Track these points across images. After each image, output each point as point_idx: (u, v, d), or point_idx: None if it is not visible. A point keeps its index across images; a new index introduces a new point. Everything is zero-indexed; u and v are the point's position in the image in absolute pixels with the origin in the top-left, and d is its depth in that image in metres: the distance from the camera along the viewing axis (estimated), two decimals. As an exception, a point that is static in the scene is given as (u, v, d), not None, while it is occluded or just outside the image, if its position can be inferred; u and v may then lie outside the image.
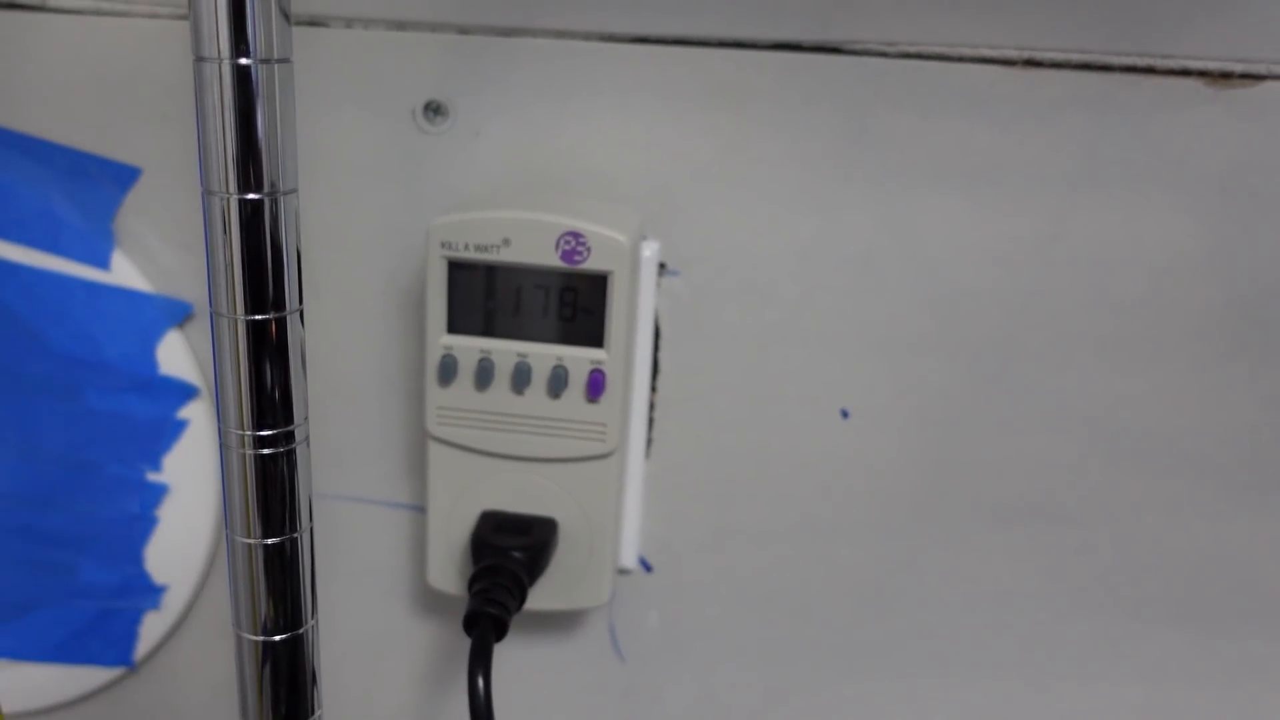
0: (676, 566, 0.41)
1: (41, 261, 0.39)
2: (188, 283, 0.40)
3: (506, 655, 0.43)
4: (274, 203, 0.26)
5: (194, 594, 0.43)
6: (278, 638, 0.29)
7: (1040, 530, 0.40)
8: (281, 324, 0.27)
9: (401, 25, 0.37)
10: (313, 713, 0.31)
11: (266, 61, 0.26)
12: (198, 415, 0.40)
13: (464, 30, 0.37)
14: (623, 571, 0.41)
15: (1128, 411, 0.38)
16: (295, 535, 0.29)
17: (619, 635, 0.42)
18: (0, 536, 0.42)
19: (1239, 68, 0.35)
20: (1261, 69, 0.35)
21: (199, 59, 0.25)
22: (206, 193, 0.26)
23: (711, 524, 0.41)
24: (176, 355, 0.40)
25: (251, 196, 0.26)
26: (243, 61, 0.25)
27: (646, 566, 0.41)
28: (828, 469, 0.40)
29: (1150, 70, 0.35)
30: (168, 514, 0.41)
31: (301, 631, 0.30)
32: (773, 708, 0.43)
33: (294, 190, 0.27)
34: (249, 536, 0.28)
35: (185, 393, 0.40)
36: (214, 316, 0.27)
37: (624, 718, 0.43)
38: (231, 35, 0.26)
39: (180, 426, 0.40)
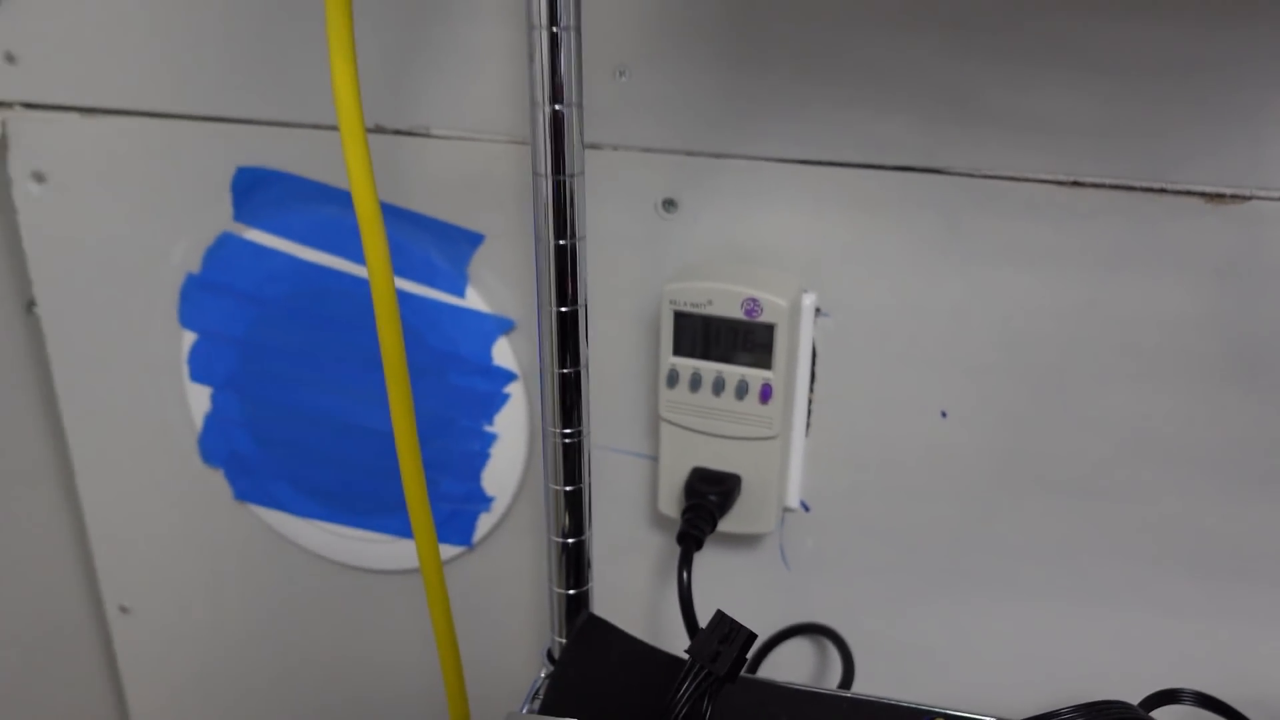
0: (826, 508, 0.60)
1: (423, 291, 0.62)
2: (512, 307, 0.62)
3: (706, 562, 0.63)
4: (573, 248, 0.46)
5: (510, 504, 0.65)
6: (569, 540, 0.51)
7: (1083, 502, 0.56)
8: (574, 319, 0.47)
9: (648, 149, 0.56)
10: (587, 585, 0.52)
11: (573, 175, 0.46)
12: (516, 392, 0.62)
13: (689, 153, 0.56)
14: (788, 510, 0.61)
15: (1148, 422, 0.54)
16: (580, 485, 0.50)
17: (786, 552, 0.62)
18: (381, 455, 0.66)
19: (1229, 190, 0.50)
20: (1246, 192, 0.49)
21: (535, 174, 0.45)
22: (536, 240, 0.46)
23: (851, 481, 0.59)
24: (504, 353, 0.62)
25: (561, 242, 0.46)
26: (558, 177, 0.45)
27: (805, 507, 0.61)
28: (931, 451, 0.57)
29: (1163, 190, 0.50)
30: (496, 453, 0.64)
31: (583, 537, 0.51)
32: (891, 610, 0.61)
33: (584, 238, 0.47)
34: (556, 484, 0.50)
35: (509, 377, 0.62)
36: (539, 312, 0.47)
37: (787, 609, 0.63)
38: (552, 159, 0.46)
39: (505, 399, 0.62)
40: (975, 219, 0.53)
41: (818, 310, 0.56)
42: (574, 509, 0.50)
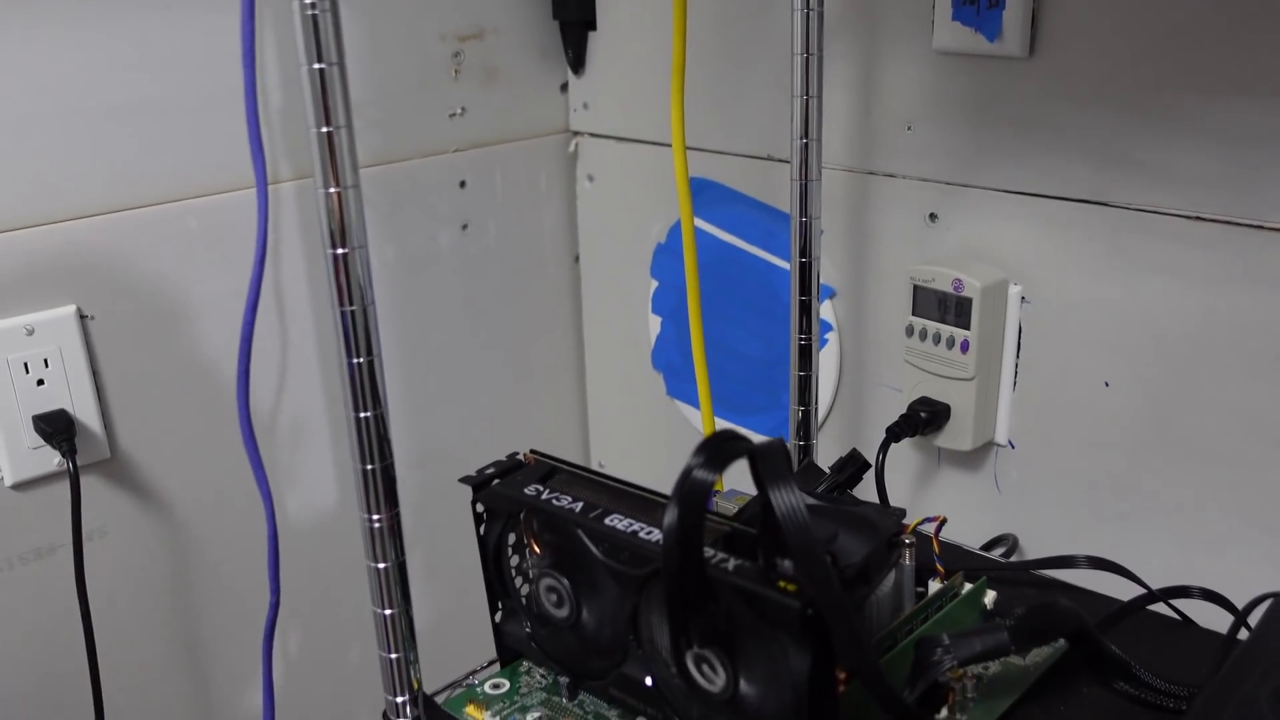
0: (1026, 448, 0.82)
1: (778, 261, 0.94)
2: (834, 279, 0.92)
3: (943, 478, 0.88)
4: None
5: (829, 408, 0.95)
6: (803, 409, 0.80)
7: (1207, 466, 0.73)
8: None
9: (924, 179, 0.84)
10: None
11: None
12: (833, 339, 0.92)
13: (949, 184, 0.82)
14: (998, 445, 0.84)
15: (1257, 408, 0.70)
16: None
17: (998, 478, 0.85)
18: (755, 374, 0.98)
19: (1310, 230, 0.66)
20: (1322, 232, 0.66)
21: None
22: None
23: (1045, 429, 0.81)
24: (828, 311, 0.92)
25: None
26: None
27: (1011, 445, 0.83)
28: (1099, 412, 0.78)
29: (1260, 227, 0.68)
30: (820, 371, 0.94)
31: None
32: (1068, 536, 0.81)
33: (821, 231, 0.76)
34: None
35: (828, 328, 0.92)
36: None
37: (997, 521, 0.85)
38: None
39: (825, 342, 0.92)
40: (1130, 239, 0.74)
41: (1023, 298, 0.80)
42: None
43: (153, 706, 0.94)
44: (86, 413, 0.85)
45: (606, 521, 0.55)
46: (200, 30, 0.85)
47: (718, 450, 0.46)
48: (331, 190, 0.50)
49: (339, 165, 0.50)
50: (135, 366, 0.87)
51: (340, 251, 0.51)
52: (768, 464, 0.45)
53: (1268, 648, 0.50)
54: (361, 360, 0.53)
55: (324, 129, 0.49)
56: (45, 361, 0.83)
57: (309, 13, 0.48)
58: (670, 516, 0.46)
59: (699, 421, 1.06)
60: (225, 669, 0.97)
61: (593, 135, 1.09)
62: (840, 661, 0.47)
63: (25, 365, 0.82)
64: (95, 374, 0.85)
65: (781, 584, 0.48)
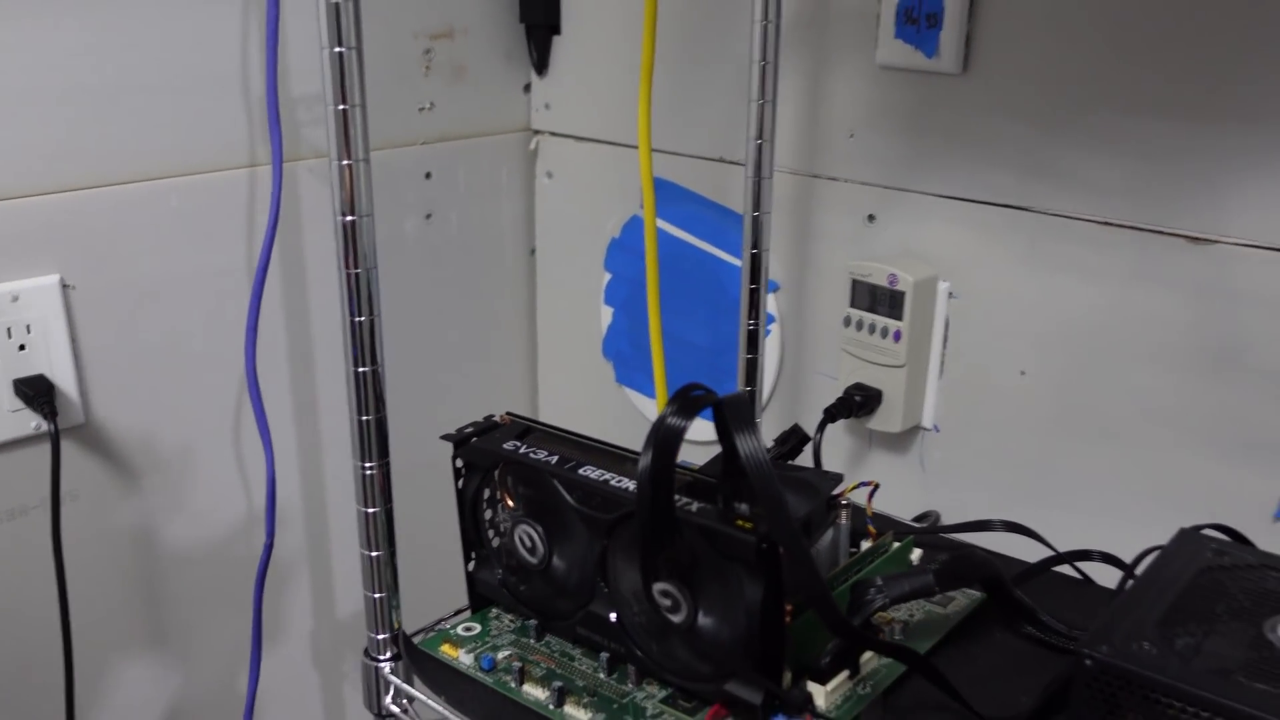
0: (950, 431, 0.90)
1: (726, 256, 1.01)
2: (778, 273, 0.99)
3: (875, 459, 0.95)
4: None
5: (770, 393, 1.02)
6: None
7: (1110, 445, 0.81)
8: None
9: (864, 183, 0.91)
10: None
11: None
12: (775, 330, 0.99)
13: (886, 187, 0.90)
14: (924, 429, 0.91)
15: (1154, 393, 0.79)
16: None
17: (924, 459, 0.93)
18: (701, 362, 1.05)
19: (1203, 235, 0.75)
20: (1214, 237, 0.74)
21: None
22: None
23: (967, 413, 0.89)
24: (771, 303, 0.99)
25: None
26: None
27: (936, 428, 0.91)
28: (1016, 398, 0.86)
29: (1160, 232, 0.76)
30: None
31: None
32: (995, 506, 0.89)
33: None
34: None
35: (771, 319, 0.99)
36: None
37: (923, 499, 0.93)
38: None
39: (769, 332, 0.99)
40: (1047, 242, 0.82)
41: (950, 294, 0.88)
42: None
43: (123, 660, 0.97)
44: (64, 379, 0.89)
45: (580, 472, 0.61)
46: (190, 16, 0.89)
47: (688, 400, 0.53)
48: (345, 163, 0.56)
49: (352, 141, 0.55)
50: (113, 336, 0.91)
51: (350, 219, 0.57)
52: (734, 411, 0.52)
53: (1154, 584, 0.57)
54: (363, 319, 0.58)
55: (340, 106, 0.55)
56: (27, 328, 0.86)
57: (332, 1, 0.53)
58: (645, 459, 0.52)
59: (645, 407, 1.12)
60: (194, 625, 1.01)
61: (553, 134, 1.15)
62: (792, 588, 0.54)
63: (9, 330, 0.85)
64: (74, 341, 0.89)
65: (739, 522, 0.54)
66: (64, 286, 0.88)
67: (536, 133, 1.16)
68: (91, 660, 0.94)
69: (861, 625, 0.61)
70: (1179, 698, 0.50)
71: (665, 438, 0.52)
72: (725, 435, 0.53)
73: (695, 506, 0.56)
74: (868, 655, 0.62)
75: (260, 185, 0.97)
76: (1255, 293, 0.73)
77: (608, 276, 1.13)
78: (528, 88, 1.15)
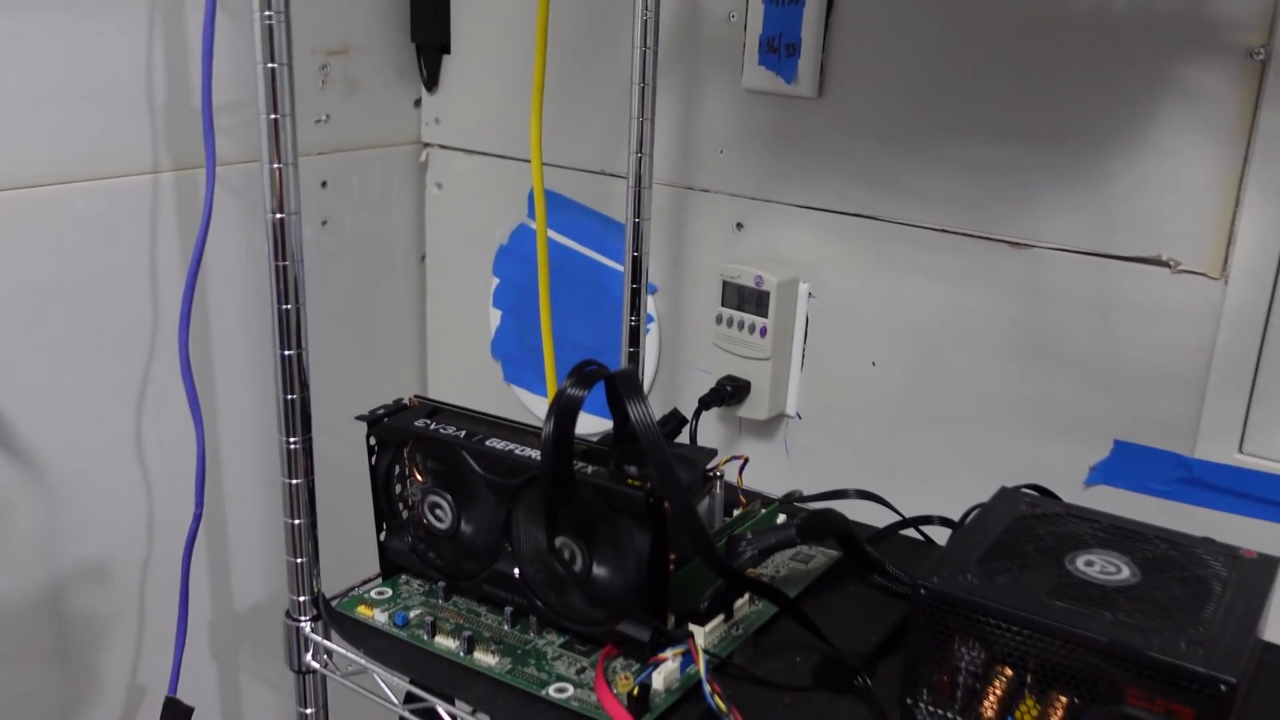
0: (811, 418, 1.00)
1: (608, 261, 1.09)
2: (656, 274, 1.08)
3: (745, 446, 1.05)
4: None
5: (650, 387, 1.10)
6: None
7: (950, 428, 0.93)
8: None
9: (733, 194, 1.01)
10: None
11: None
12: (654, 329, 1.08)
13: (752, 198, 1.00)
14: (789, 417, 1.01)
15: (986, 379, 0.90)
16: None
17: (788, 444, 1.03)
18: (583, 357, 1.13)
19: (1021, 240, 0.86)
20: (1030, 242, 0.86)
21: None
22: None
23: (826, 402, 0.99)
24: (650, 306, 1.08)
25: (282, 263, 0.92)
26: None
27: (799, 416, 1.01)
28: (868, 388, 0.96)
29: (987, 238, 0.88)
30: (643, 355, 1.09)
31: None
32: (856, 483, 0.99)
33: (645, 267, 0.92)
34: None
35: (651, 319, 1.08)
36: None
37: (788, 481, 1.03)
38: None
39: (649, 331, 1.08)
40: (893, 247, 0.93)
41: (810, 294, 0.98)
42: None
43: (29, 653, 1.00)
44: (-29, 375, 0.92)
45: (487, 444, 0.69)
46: (95, 26, 0.93)
47: (583, 374, 0.61)
48: (275, 166, 0.62)
49: (283, 147, 0.62)
50: (20, 335, 0.94)
51: (280, 216, 0.63)
52: (625, 383, 0.60)
53: (977, 530, 0.68)
54: (290, 306, 0.65)
55: (273, 116, 0.61)
56: (-65, 325, 0.89)
57: (266, 21, 0.60)
58: (549, 426, 0.60)
59: (531, 404, 1.20)
60: (92, 620, 1.04)
61: (442, 147, 1.22)
62: (676, 534, 0.62)
63: (-84, 327, 0.88)
64: (-18, 339, 0.92)
65: (630, 481, 0.63)
66: (-28, 286, 0.91)
67: (426, 145, 1.23)
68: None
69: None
70: (995, 616, 0.60)
71: (565, 406, 0.60)
72: (617, 405, 0.62)
73: (591, 469, 0.65)
74: (740, 602, 0.71)
75: (163, 190, 1.01)
76: (1064, 290, 0.85)
77: (496, 281, 1.20)
78: (418, 103, 1.22)
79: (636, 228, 0.92)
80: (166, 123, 1.00)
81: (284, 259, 0.64)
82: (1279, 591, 0.75)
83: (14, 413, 0.95)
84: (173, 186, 1.01)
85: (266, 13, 0.59)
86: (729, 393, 0.99)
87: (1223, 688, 0.54)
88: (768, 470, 1.04)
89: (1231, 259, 0.78)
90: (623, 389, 0.60)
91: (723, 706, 0.57)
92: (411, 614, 0.72)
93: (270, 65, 0.60)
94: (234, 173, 1.03)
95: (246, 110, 1.04)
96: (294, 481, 0.68)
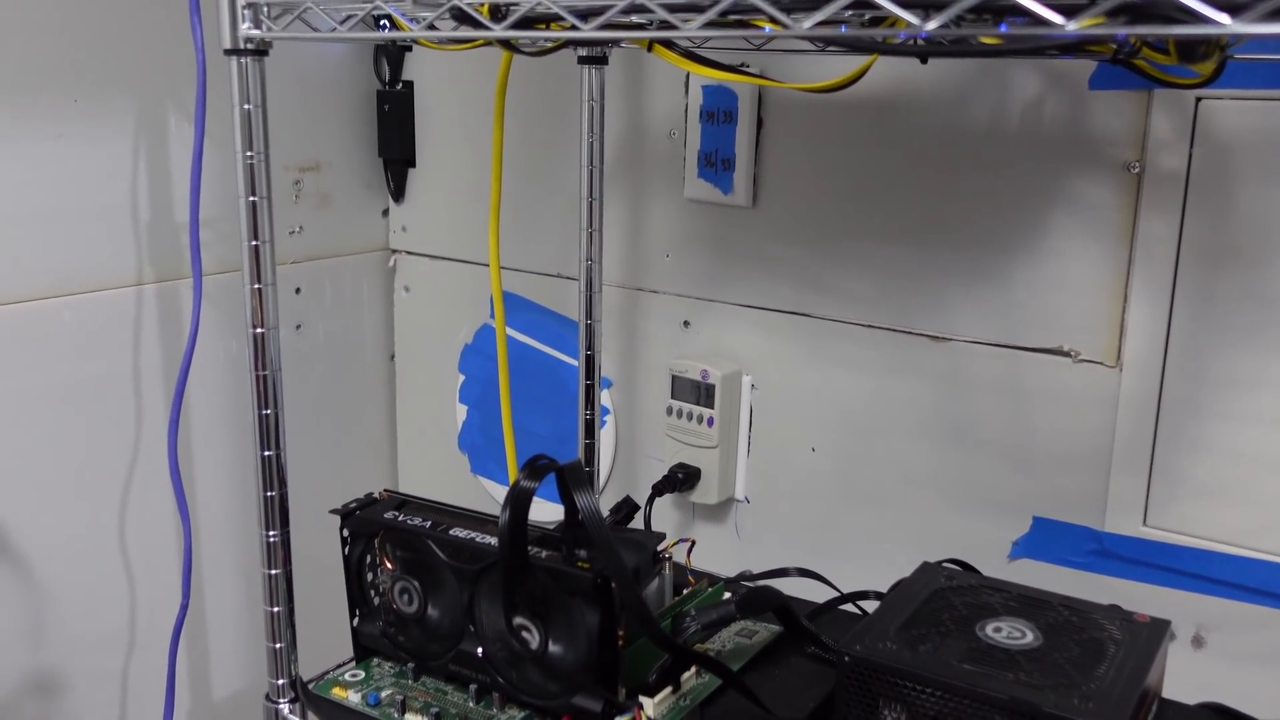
0: (758, 502, 1.07)
1: (563, 357, 1.17)
2: (610, 370, 1.15)
3: (698, 532, 1.11)
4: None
5: (607, 476, 1.17)
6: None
7: (882, 508, 1.00)
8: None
9: (680, 294, 1.09)
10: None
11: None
12: (610, 421, 1.15)
13: (698, 298, 1.08)
14: (737, 500, 1.08)
15: (913, 462, 0.98)
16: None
17: (738, 526, 1.09)
18: (545, 449, 1.20)
19: (941, 334, 0.95)
20: (948, 335, 0.94)
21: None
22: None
23: (770, 483, 1.06)
24: (606, 398, 1.15)
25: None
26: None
27: (747, 500, 1.08)
28: (807, 472, 1.04)
29: (909, 333, 0.96)
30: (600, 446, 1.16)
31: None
32: (801, 560, 1.06)
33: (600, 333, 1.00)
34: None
35: (606, 411, 1.15)
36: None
37: (739, 561, 1.09)
38: None
39: (605, 423, 1.15)
40: (824, 341, 1.01)
41: (753, 385, 1.06)
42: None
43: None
44: (-35, 479, 0.97)
45: (450, 533, 0.75)
46: (82, 151, 1.01)
47: (535, 468, 0.68)
48: (256, 286, 0.69)
49: (263, 269, 0.69)
50: (10, 436, 1.00)
51: (260, 331, 0.70)
52: (573, 474, 0.67)
53: (898, 601, 0.74)
54: (269, 412, 0.72)
55: (254, 243, 0.69)
56: (-69, 432, 0.95)
57: (248, 160, 0.68)
58: (504, 515, 0.67)
59: (498, 494, 1.26)
60: (79, 710, 1.08)
61: (409, 253, 1.30)
62: (621, 613, 0.69)
63: (-87, 435, 0.94)
64: (-24, 444, 0.98)
65: (579, 564, 0.69)
66: (-33, 394, 0.97)
67: (394, 252, 1.31)
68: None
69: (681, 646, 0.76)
70: (911, 679, 0.66)
71: (519, 496, 0.67)
72: (566, 494, 0.69)
73: (544, 554, 0.71)
74: (687, 675, 0.77)
75: (145, 300, 1.08)
76: (980, 379, 0.93)
77: (461, 378, 1.27)
78: (386, 212, 1.30)
79: (589, 328, 1.00)
80: (149, 238, 1.07)
81: (264, 369, 0.71)
82: (1180, 648, 0.82)
83: (4, 510, 1.00)
84: (154, 296, 1.08)
85: (249, 153, 0.67)
86: (680, 479, 1.06)
87: (1109, 737, 0.61)
88: (720, 552, 1.10)
89: (1124, 349, 0.86)
90: (570, 480, 0.67)
91: (665, 768, 0.63)
92: (383, 694, 0.77)
93: (251, 199, 0.68)
94: (211, 283, 1.10)
95: (221, 225, 1.12)
96: (273, 572, 0.74)
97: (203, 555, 1.16)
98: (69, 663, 1.07)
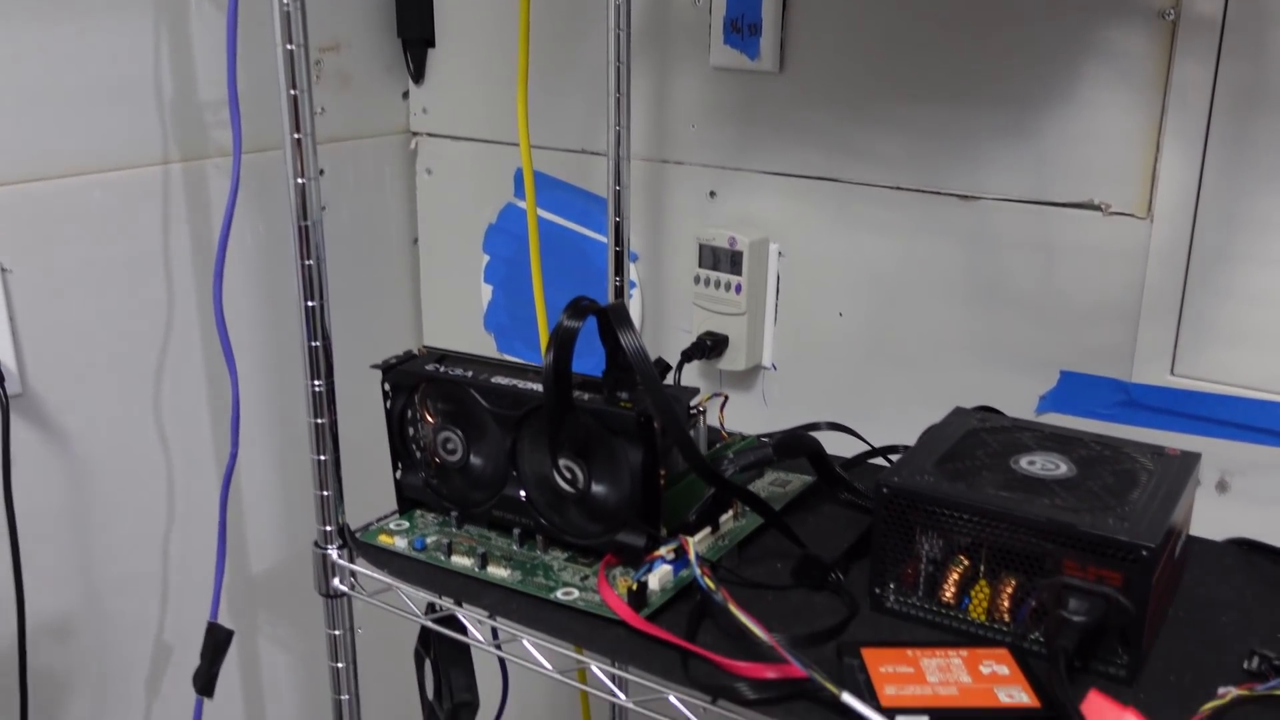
0: (785, 368, 1.08)
1: (589, 233, 1.17)
2: (637, 243, 1.16)
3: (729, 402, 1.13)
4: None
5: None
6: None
7: (910, 369, 1.01)
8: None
9: (705, 165, 1.09)
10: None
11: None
12: (637, 295, 1.16)
13: (723, 168, 1.08)
14: (765, 368, 1.10)
15: (944, 324, 0.98)
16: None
17: (765, 394, 1.11)
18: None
19: (969, 194, 0.95)
20: (976, 195, 0.95)
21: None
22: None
23: (798, 349, 1.07)
24: (632, 273, 1.16)
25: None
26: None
27: (774, 367, 1.09)
28: (836, 336, 1.05)
29: (938, 193, 0.96)
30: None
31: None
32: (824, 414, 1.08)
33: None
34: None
35: (633, 285, 1.16)
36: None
37: (766, 427, 1.11)
38: None
39: (632, 295, 1.16)
40: (852, 205, 1.01)
41: (780, 253, 1.06)
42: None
43: (71, 595, 1.07)
44: (4, 354, 0.99)
45: (492, 381, 0.76)
46: (107, 29, 1.01)
47: (578, 308, 0.69)
48: (300, 181, 0.70)
49: (306, 165, 0.70)
50: (47, 315, 1.01)
51: (305, 224, 0.72)
52: (616, 315, 0.68)
53: (933, 441, 0.76)
54: (311, 262, 0.72)
55: (292, 91, 0.69)
56: (-31, 307, 0.96)
57: (284, 8, 0.68)
58: (549, 356, 0.68)
59: (525, 372, 1.27)
60: (123, 578, 1.11)
61: (430, 135, 1.30)
62: (666, 449, 0.70)
63: (-48, 309, 0.95)
64: (11, 320, 0.99)
65: (622, 404, 0.71)
66: (1, 270, 0.98)
67: (415, 134, 1.31)
68: (38, 597, 1.03)
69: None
70: (950, 506, 0.68)
71: (563, 337, 0.68)
72: (609, 335, 0.70)
73: (588, 397, 0.72)
74: (725, 516, 0.79)
75: (173, 180, 1.08)
76: (1009, 237, 0.94)
77: (486, 258, 1.28)
78: (406, 94, 1.30)
79: (618, 195, 1.00)
80: (174, 117, 1.07)
81: (306, 219, 0.71)
82: (1205, 492, 0.84)
83: (41, 388, 1.02)
84: (181, 176, 1.09)
85: (289, 45, 0.67)
86: (709, 346, 1.07)
87: (1145, 553, 0.62)
88: (748, 419, 1.12)
89: (1155, 200, 0.87)
90: (614, 320, 0.68)
91: (712, 585, 0.65)
92: (429, 539, 0.79)
93: (292, 92, 0.68)
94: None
95: (244, 105, 1.12)
96: (319, 421, 0.75)
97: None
98: (112, 537, 1.10)
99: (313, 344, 0.74)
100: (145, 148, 1.06)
